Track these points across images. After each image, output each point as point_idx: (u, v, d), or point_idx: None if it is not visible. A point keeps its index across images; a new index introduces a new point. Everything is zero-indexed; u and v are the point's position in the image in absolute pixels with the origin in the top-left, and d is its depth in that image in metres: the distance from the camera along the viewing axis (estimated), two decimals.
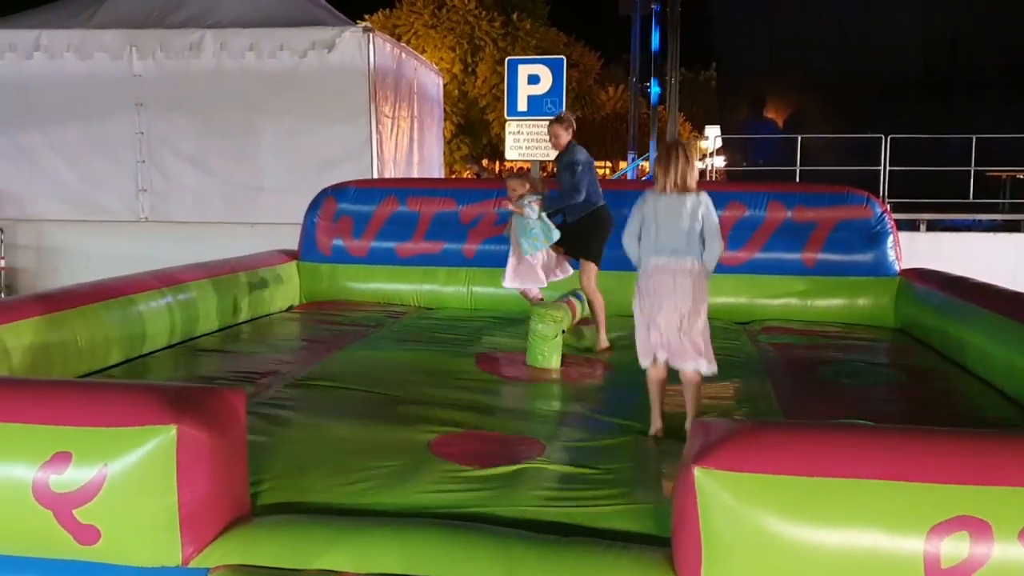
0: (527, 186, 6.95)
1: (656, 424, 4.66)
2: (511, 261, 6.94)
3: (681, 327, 4.58)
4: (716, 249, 4.62)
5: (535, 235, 6.78)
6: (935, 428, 2.76)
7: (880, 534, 2.43)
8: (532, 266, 6.87)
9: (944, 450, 2.55)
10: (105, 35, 11.41)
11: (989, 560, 2.37)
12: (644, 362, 4.72)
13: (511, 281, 6.99)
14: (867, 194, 8.41)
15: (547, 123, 7.15)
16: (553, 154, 12.06)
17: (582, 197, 6.72)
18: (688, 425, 4.45)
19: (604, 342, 6.71)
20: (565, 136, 6.85)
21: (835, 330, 7.55)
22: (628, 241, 4.81)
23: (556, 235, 6.81)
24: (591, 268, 6.80)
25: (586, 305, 7.00)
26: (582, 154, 6.86)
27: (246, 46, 11.23)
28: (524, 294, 7.21)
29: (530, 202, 6.77)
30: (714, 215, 4.64)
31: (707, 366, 4.62)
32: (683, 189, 4.61)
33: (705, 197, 4.65)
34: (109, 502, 2.88)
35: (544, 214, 6.82)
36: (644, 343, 4.70)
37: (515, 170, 7.25)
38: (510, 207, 6.84)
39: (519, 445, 4.30)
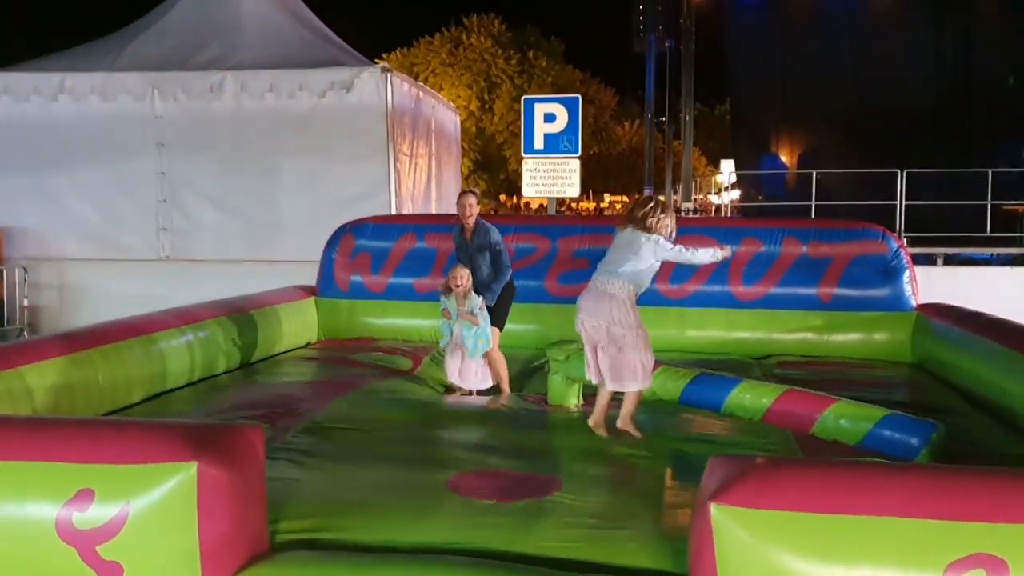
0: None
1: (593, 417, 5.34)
2: (455, 359, 6.73)
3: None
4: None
5: (481, 336, 6.62)
6: (951, 466, 2.77)
7: (897, 571, 2.44)
8: (479, 366, 6.75)
9: (960, 487, 2.56)
10: (128, 78, 11.61)
11: None
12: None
13: (455, 378, 6.79)
14: (882, 229, 8.42)
15: (467, 196, 7.02)
16: (570, 191, 12.31)
17: (510, 272, 6.98)
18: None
19: (506, 394, 6.80)
20: (477, 208, 6.99)
21: (851, 365, 7.53)
22: None
23: (489, 344, 6.72)
24: (498, 334, 6.93)
25: None
26: (496, 232, 6.98)
27: (266, 87, 11.39)
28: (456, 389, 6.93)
29: (480, 305, 6.63)
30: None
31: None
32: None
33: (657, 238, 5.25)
34: (132, 539, 2.92)
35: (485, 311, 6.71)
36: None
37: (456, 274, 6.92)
38: (455, 316, 6.64)
39: (537, 481, 4.31)
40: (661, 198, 5.89)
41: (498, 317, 6.92)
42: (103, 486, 2.95)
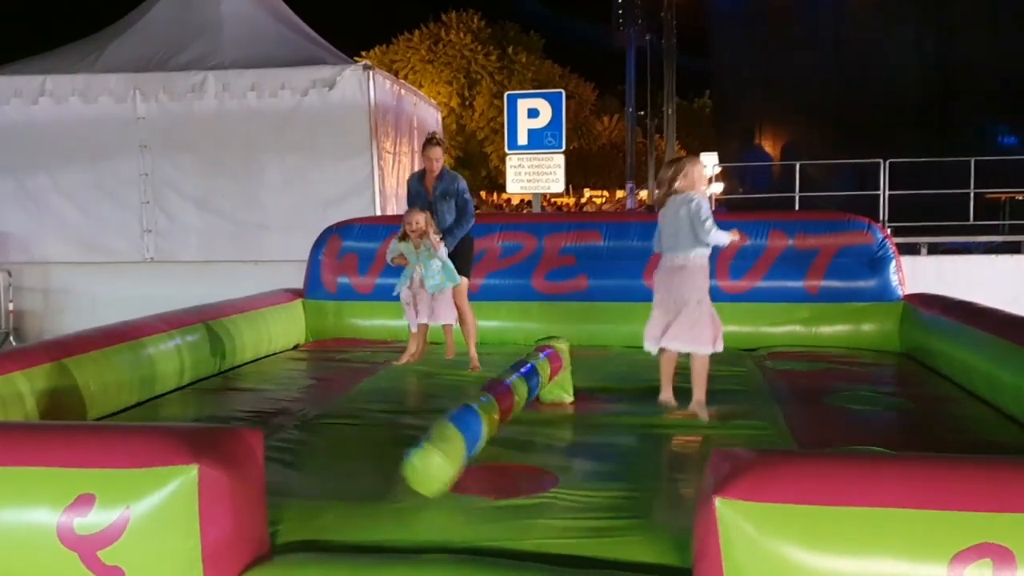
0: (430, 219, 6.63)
1: (663, 393, 5.64)
2: (422, 303, 6.66)
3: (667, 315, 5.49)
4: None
5: (444, 273, 6.57)
6: (955, 456, 2.79)
7: (903, 563, 2.44)
8: (448, 299, 6.75)
9: (965, 477, 2.57)
10: (109, 79, 11.52)
11: None
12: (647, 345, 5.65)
13: (424, 319, 6.78)
14: (868, 220, 8.47)
15: (435, 148, 6.93)
16: (555, 187, 12.31)
17: (473, 222, 6.98)
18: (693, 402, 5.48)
19: (475, 361, 6.83)
20: (443, 159, 6.96)
21: (841, 355, 7.57)
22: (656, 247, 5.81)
23: (458, 278, 6.66)
24: (464, 284, 6.92)
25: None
26: (463, 181, 7.01)
27: (248, 86, 11.33)
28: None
29: (437, 240, 6.54)
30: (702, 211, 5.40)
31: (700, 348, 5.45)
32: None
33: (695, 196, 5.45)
34: (133, 543, 2.90)
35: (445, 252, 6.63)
36: (647, 329, 5.65)
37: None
38: (414, 260, 6.54)
39: (533, 476, 4.31)
40: (684, 155, 6.13)
41: (463, 266, 6.90)
42: (103, 491, 2.93)
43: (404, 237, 6.55)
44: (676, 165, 5.57)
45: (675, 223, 5.46)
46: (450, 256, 6.77)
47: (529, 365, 5.36)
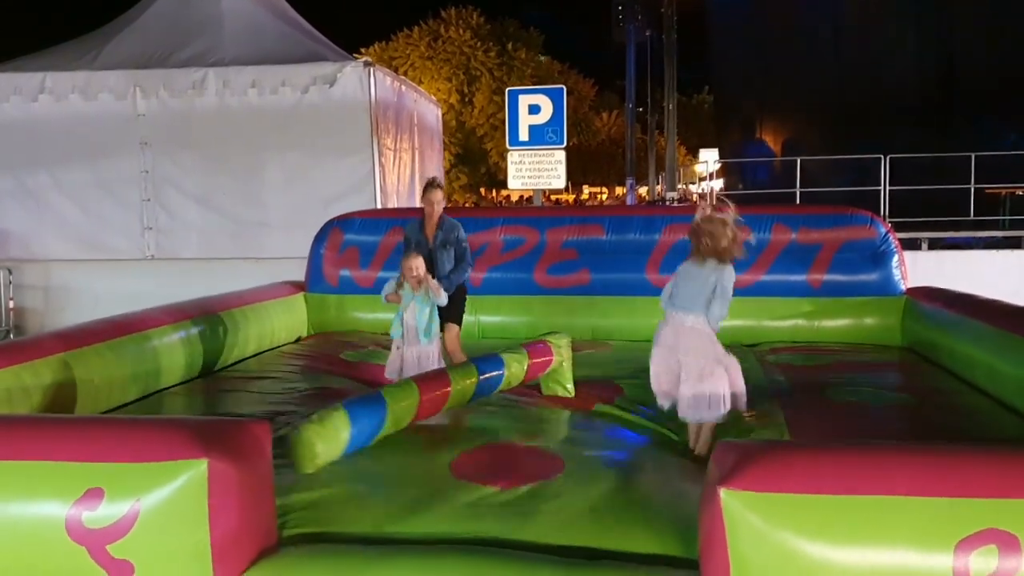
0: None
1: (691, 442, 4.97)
2: (405, 353, 6.23)
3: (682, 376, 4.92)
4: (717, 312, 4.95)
5: (433, 323, 6.23)
6: (959, 444, 2.80)
7: (908, 550, 2.47)
8: (437, 351, 6.33)
9: (968, 465, 2.59)
10: (109, 76, 11.53)
11: (1018, 573, 2.40)
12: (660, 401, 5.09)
13: (411, 371, 6.16)
14: (871, 214, 8.47)
15: (435, 191, 6.84)
16: (556, 183, 12.32)
17: (471, 270, 6.94)
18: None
19: None
20: (443, 203, 6.95)
21: (843, 349, 7.58)
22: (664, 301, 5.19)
23: (437, 334, 6.37)
24: (456, 331, 6.89)
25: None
26: (462, 230, 6.93)
27: (248, 83, 11.33)
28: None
29: (436, 286, 6.26)
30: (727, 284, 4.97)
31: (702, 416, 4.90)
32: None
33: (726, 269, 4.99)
34: (142, 537, 2.92)
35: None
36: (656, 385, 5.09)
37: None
38: (408, 301, 6.21)
39: (538, 468, 4.33)
40: (718, 214, 5.39)
41: (455, 315, 6.87)
42: (112, 485, 2.94)
43: (402, 285, 6.34)
44: (722, 227, 5.01)
45: (699, 286, 4.98)
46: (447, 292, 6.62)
47: (494, 357, 5.46)
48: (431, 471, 4.27)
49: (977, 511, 2.46)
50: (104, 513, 2.92)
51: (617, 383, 6.33)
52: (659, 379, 5.07)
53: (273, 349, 7.94)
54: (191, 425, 3.14)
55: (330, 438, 4.03)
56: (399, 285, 6.32)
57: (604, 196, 49.34)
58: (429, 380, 4.95)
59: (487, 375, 5.31)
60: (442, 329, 6.60)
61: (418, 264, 6.25)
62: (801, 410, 5.50)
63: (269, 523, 3.30)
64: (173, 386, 6.39)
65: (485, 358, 5.47)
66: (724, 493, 2.63)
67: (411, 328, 6.26)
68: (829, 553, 2.52)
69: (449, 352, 6.83)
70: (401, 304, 6.32)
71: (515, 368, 5.54)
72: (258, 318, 7.71)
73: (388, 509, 3.75)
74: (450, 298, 6.66)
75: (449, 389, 4.95)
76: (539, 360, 5.78)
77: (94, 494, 2.94)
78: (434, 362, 6.28)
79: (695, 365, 4.90)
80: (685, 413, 4.90)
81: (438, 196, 6.91)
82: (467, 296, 7.12)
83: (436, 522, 3.61)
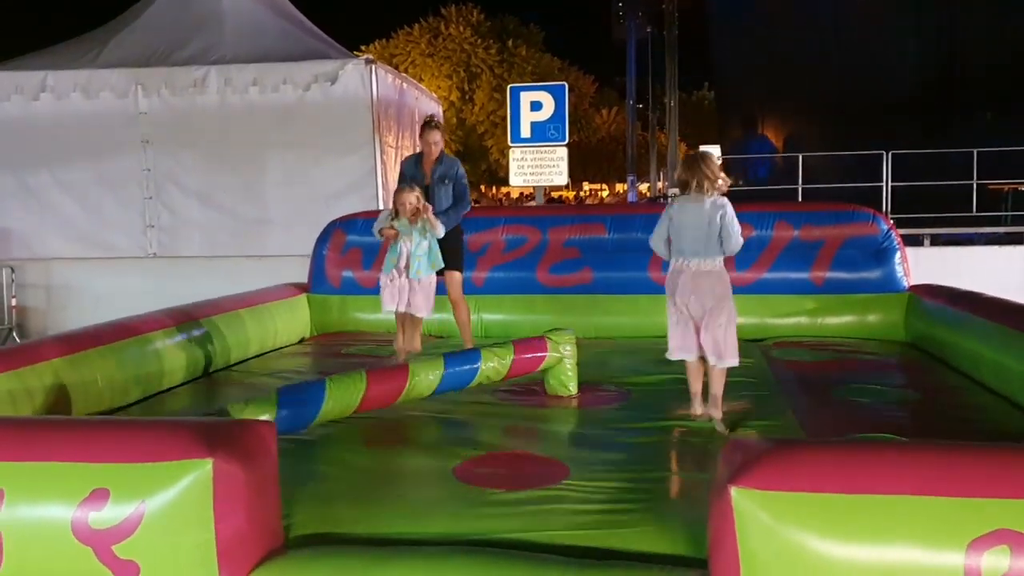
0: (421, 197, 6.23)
1: (695, 408, 5.24)
2: (400, 284, 6.20)
3: (704, 322, 5.11)
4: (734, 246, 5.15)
5: (431, 256, 6.20)
6: (970, 443, 2.79)
7: (920, 550, 2.45)
8: (429, 289, 6.32)
9: (981, 464, 2.57)
10: (111, 74, 11.50)
11: None
12: (675, 355, 5.29)
13: (401, 306, 6.29)
14: (873, 211, 8.46)
15: (434, 132, 6.68)
16: (558, 179, 12.31)
17: (469, 208, 6.81)
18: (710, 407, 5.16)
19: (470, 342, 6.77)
20: (442, 143, 6.82)
21: (847, 345, 7.57)
22: (656, 244, 5.40)
23: (441, 264, 6.33)
24: (458, 277, 6.81)
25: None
26: (461, 166, 6.84)
27: (250, 81, 11.30)
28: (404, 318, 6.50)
29: (435, 220, 6.15)
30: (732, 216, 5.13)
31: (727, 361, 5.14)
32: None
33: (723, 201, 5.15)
34: (148, 537, 2.90)
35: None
36: (673, 339, 5.27)
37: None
38: (405, 232, 6.10)
39: (544, 468, 4.32)
40: (703, 151, 5.67)
41: (454, 259, 6.75)
42: (118, 485, 2.93)
43: (396, 215, 6.20)
44: (699, 165, 5.16)
45: (705, 228, 5.08)
46: (441, 249, 6.52)
47: (471, 352, 5.59)
48: (435, 474, 4.26)
49: (989, 511, 2.44)
50: (110, 514, 2.91)
51: (621, 382, 6.31)
52: (681, 331, 5.23)
53: (276, 350, 7.93)
54: (196, 426, 3.13)
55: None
56: (395, 216, 6.16)
57: (605, 193, 49.33)
58: (383, 373, 5.23)
59: (456, 368, 5.41)
60: (440, 274, 6.53)
61: (410, 197, 6.10)
62: (809, 407, 5.49)
63: (275, 524, 3.29)
64: (176, 387, 6.38)
65: (462, 352, 5.61)
66: (734, 491, 2.61)
67: (408, 258, 6.13)
68: (840, 551, 2.50)
69: (452, 299, 6.72)
70: (396, 239, 6.17)
71: (495, 363, 5.61)
72: (261, 319, 7.70)
73: (394, 510, 3.74)
74: (448, 245, 6.55)
75: (405, 383, 5.17)
76: (529, 356, 5.78)
77: (100, 495, 2.93)
78: (431, 293, 6.26)
79: (725, 308, 5.12)
80: (716, 356, 5.10)
81: (436, 136, 6.74)
82: (463, 237, 6.97)
83: (442, 523, 3.60)
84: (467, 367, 5.47)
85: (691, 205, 5.15)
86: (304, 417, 4.81)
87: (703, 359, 5.24)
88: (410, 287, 6.30)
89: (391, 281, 6.31)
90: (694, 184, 5.13)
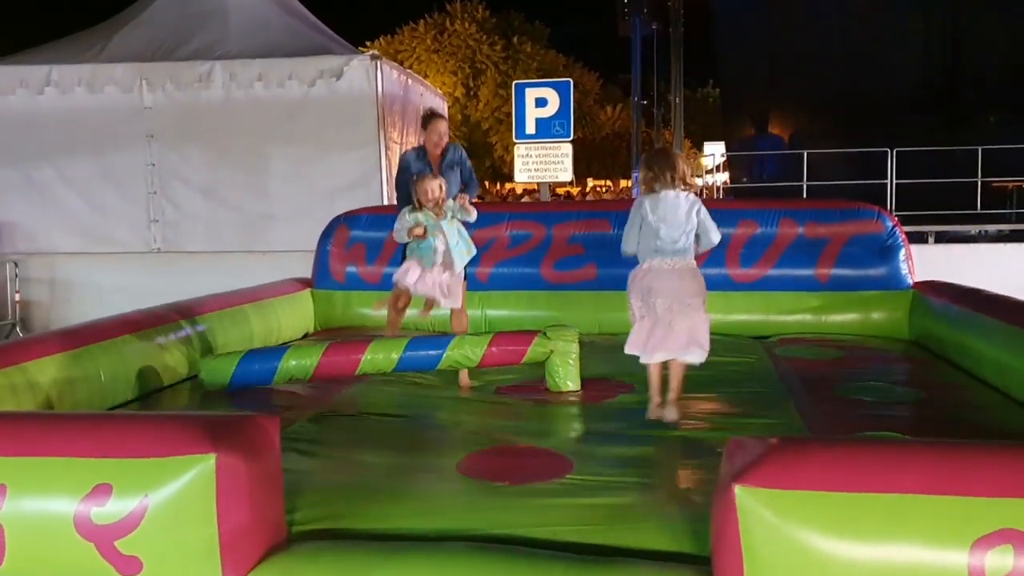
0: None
1: (655, 411, 5.16)
2: (434, 273, 5.87)
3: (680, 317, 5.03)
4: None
5: (465, 246, 6.00)
6: (975, 441, 2.78)
7: (924, 549, 2.44)
8: (459, 281, 6.09)
9: (985, 463, 2.56)
10: (115, 69, 11.51)
11: None
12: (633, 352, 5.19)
13: (437, 293, 5.96)
14: (878, 208, 8.44)
15: (442, 122, 6.60)
16: (563, 176, 12.29)
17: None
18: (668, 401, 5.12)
19: (464, 379, 6.70)
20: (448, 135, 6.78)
21: (851, 342, 7.56)
22: (631, 245, 5.26)
23: (474, 248, 6.12)
24: (464, 285, 6.75)
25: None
26: (462, 149, 6.75)
27: (255, 76, 11.31)
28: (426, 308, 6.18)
29: (466, 200, 5.94)
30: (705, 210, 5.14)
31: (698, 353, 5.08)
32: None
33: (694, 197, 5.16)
34: (151, 533, 2.90)
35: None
36: (652, 339, 5.10)
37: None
38: (434, 227, 5.83)
39: (548, 463, 4.31)
40: (667, 147, 5.68)
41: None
42: (121, 480, 2.92)
43: (417, 208, 5.91)
44: (670, 159, 5.13)
45: (681, 224, 5.04)
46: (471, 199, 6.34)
47: (439, 337, 5.84)
48: (439, 469, 4.26)
49: (994, 510, 2.43)
50: (113, 509, 2.90)
51: (625, 378, 6.30)
52: (645, 331, 5.10)
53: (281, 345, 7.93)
54: (199, 420, 3.13)
55: (214, 369, 5.87)
56: (416, 210, 5.87)
57: (605, 190, 49.14)
58: (341, 345, 5.88)
59: (418, 352, 5.76)
60: None
61: (433, 185, 5.80)
62: (812, 405, 5.48)
63: (278, 518, 3.28)
64: (179, 382, 6.38)
65: (429, 336, 6.11)
66: (738, 489, 2.60)
67: (445, 254, 5.86)
68: (844, 550, 2.50)
69: (455, 310, 6.69)
70: (424, 236, 5.86)
71: (465, 349, 5.77)
72: (264, 315, 7.71)
73: (395, 504, 3.73)
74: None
75: (360, 357, 5.72)
76: (509, 348, 5.89)
77: (102, 490, 2.92)
78: (460, 295, 6.16)
79: (699, 303, 5.07)
80: (684, 352, 5.04)
81: (444, 126, 6.59)
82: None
83: (445, 518, 3.59)
84: (432, 352, 5.77)
85: (665, 202, 5.06)
86: (265, 372, 5.76)
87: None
88: (451, 280, 6.03)
89: (422, 271, 5.96)
90: (667, 177, 5.05)
